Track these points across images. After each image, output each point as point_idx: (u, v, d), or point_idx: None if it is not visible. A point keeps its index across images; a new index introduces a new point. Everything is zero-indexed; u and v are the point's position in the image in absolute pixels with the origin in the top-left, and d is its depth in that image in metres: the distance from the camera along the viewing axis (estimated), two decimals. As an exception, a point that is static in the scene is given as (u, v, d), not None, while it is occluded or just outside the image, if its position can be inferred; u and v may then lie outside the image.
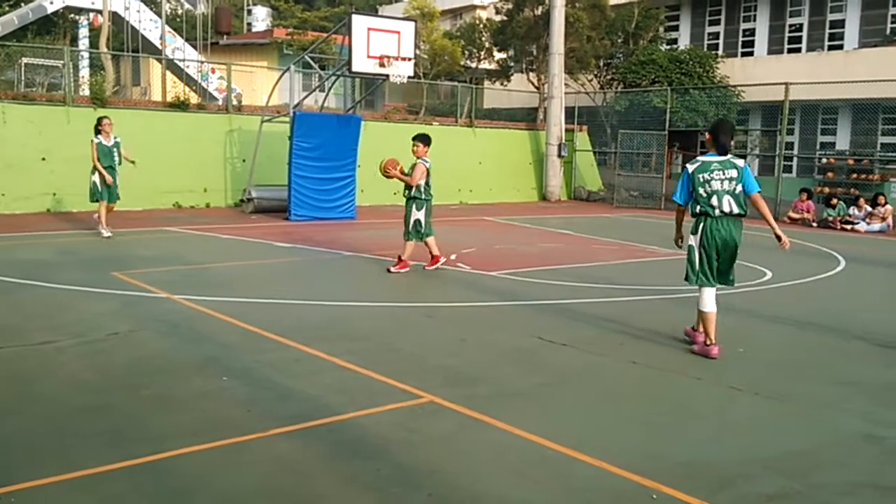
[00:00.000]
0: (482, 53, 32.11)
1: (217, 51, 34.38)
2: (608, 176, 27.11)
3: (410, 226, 10.23)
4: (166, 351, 6.30)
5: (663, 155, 24.69)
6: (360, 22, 15.20)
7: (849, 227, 19.45)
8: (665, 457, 4.42)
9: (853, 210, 20.11)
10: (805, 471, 4.28)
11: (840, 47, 27.74)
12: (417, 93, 29.20)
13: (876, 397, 5.68)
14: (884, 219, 19.40)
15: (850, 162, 25.32)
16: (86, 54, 27.25)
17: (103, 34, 25.56)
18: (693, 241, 6.68)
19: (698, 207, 6.60)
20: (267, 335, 6.83)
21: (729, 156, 6.63)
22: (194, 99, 21.08)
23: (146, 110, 18.94)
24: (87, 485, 3.86)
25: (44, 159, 16.97)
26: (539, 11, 27.45)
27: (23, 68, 24.05)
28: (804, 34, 29.02)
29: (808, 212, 20.25)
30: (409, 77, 15.88)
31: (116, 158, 12.71)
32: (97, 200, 12.76)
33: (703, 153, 6.87)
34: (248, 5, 42.81)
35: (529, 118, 28.44)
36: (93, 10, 28.82)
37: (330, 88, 19.40)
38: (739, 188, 6.49)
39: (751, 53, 30.28)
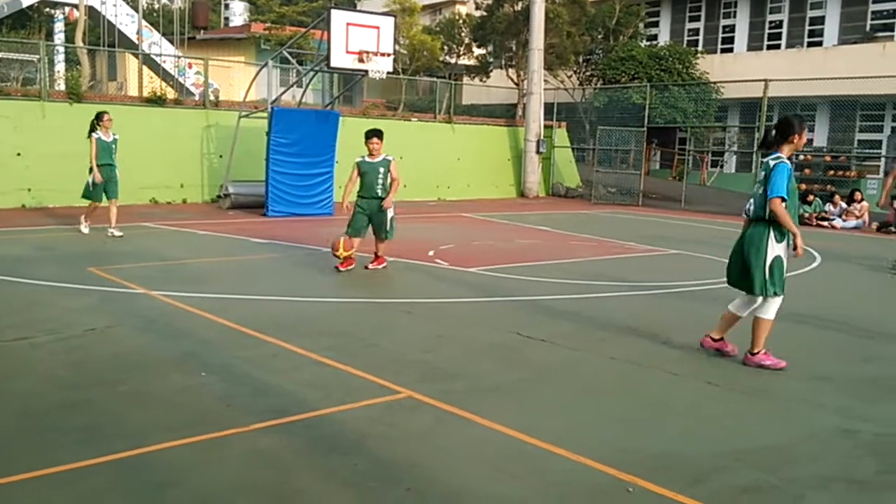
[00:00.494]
0: (461, 49, 32.15)
1: (194, 45, 34.15)
2: (586, 172, 27.19)
3: (388, 224, 10.19)
4: (144, 347, 6.26)
5: (641, 151, 24.85)
6: (339, 17, 15.16)
7: (825, 223, 19.64)
8: (641, 450, 4.46)
9: (829, 206, 20.32)
10: (779, 464, 4.34)
11: (820, 44, 28.01)
12: (396, 88, 29.14)
13: (852, 392, 5.75)
14: (859, 215, 19.58)
15: (828, 158, 25.56)
16: (61, 49, 26.94)
17: (79, 28, 25.34)
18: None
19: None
20: (245, 331, 6.81)
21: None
22: (171, 94, 20.90)
23: (122, 105, 18.73)
24: (65, 480, 3.84)
25: (19, 154, 16.80)
26: (519, 7, 27.52)
27: (-3, 63, 23.77)
28: (784, 31, 29.28)
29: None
30: (388, 73, 15.88)
31: (115, 155, 12.52)
32: (90, 198, 12.57)
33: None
34: (226, 0, 42.55)
35: (508, 114, 28.48)
36: (69, 4, 28.60)
37: (308, 84, 19.32)
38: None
39: (731, 50, 30.52)
